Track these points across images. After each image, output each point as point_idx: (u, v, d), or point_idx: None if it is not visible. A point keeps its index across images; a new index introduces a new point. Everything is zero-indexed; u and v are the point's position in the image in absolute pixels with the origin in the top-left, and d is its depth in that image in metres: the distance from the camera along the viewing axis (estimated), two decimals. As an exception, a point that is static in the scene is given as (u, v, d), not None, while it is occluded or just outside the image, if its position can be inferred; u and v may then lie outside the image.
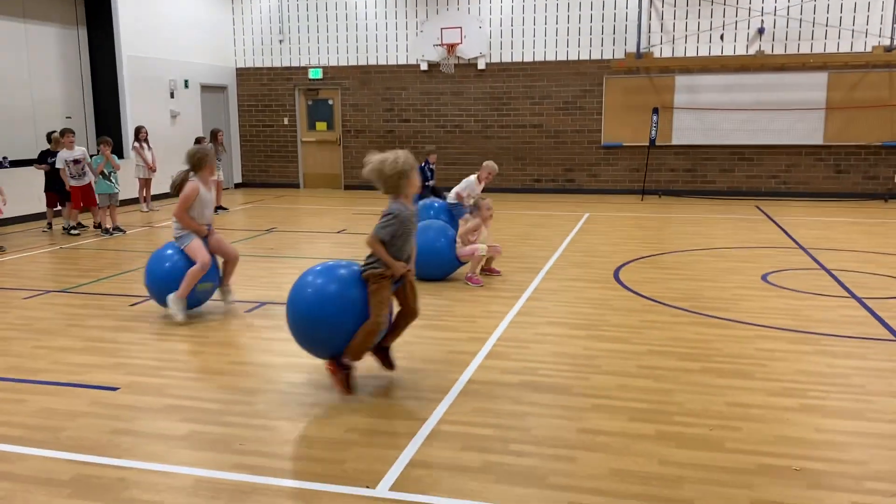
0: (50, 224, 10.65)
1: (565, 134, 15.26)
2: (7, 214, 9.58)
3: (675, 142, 14.70)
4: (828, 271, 7.52)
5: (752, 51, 14.09)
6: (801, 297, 6.48)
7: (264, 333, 5.57)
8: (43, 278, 7.67)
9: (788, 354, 4.94)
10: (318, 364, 4.44)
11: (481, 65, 15.36)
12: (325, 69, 16.30)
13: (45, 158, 10.43)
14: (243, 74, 16.82)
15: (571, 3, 14.81)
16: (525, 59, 15.21)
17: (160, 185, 13.61)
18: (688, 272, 7.58)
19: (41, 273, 7.99)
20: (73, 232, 10.20)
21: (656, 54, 14.47)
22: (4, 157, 11.31)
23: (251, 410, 4.06)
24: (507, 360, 4.84)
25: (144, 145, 12.62)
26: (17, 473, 3.35)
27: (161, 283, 5.80)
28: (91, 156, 10.56)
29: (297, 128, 16.83)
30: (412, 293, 4.38)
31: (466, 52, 15.27)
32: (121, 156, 12.81)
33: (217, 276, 6.02)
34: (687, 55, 14.40)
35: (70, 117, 12.99)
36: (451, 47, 15.23)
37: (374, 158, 4.20)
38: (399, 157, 4.16)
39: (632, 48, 14.49)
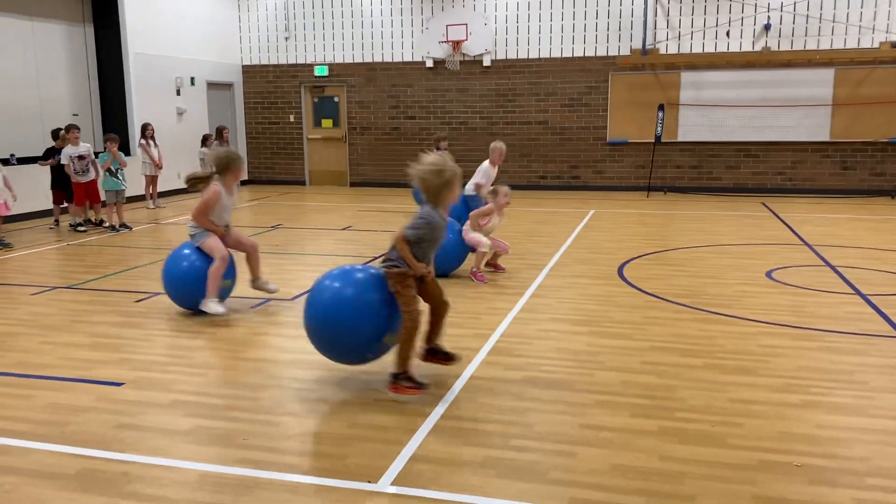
0: (57, 221, 10.72)
1: (571, 130, 15.25)
2: (14, 211, 9.64)
3: (680, 138, 14.68)
4: (833, 268, 7.50)
5: (758, 47, 14.04)
6: (805, 294, 6.47)
7: (269, 329, 5.59)
8: (50, 274, 7.71)
9: (791, 351, 4.94)
10: (322, 360, 4.45)
11: (487, 61, 15.35)
12: (331, 66, 16.32)
13: (50, 156, 10.49)
14: (249, 72, 16.85)
15: (577, -1, 14.80)
16: (530, 56, 15.20)
17: (167, 181, 13.71)
18: (692, 269, 7.58)
19: (48, 269, 8.03)
20: (79, 229, 10.26)
21: (662, 51, 14.44)
22: (12, 155, 11.38)
23: (255, 406, 4.09)
24: (510, 356, 4.85)
25: (151, 142, 12.68)
26: (22, 467, 3.38)
27: (179, 283, 5.80)
28: (97, 153, 10.61)
29: (302, 125, 16.86)
30: (436, 288, 4.35)
31: (472, 48, 15.27)
32: (127, 153, 12.86)
33: (234, 273, 6.01)
34: (693, 51, 14.36)
35: (77, 115, 13.05)
36: (456, 44, 15.23)
37: (423, 161, 4.13)
38: (446, 166, 4.11)
39: (637, 44, 14.45)
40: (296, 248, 9.02)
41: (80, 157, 10.12)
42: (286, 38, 16.49)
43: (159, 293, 6.50)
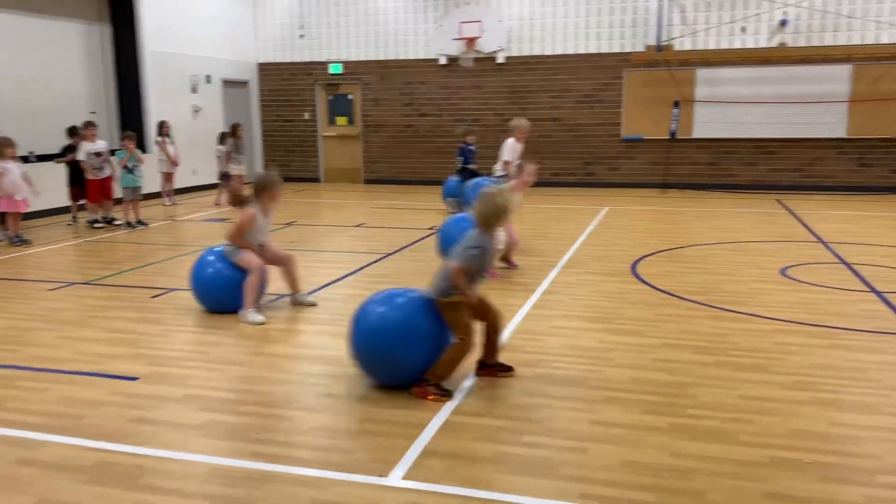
0: (74, 217, 10.82)
1: (585, 127, 15.20)
2: (33, 208, 9.76)
3: (696, 135, 14.58)
4: (847, 265, 7.45)
5: (774, 43, 13.92)
6: (819, 291, 6.43)
7: (282, 325, 5.63)
8: (67, 270, 7.80)
9: (804, 348, 4.91)
10: (334, 356, 4.49)
11: (500, 59, 15.32)
12: (346, 64, 16.36)
13: (68, 153, 10.59)
14: (265, 70, 16.92)
15: (591, -5, 14.74)
16: (545, 53, 15.16)
17: (182, 179, 13.81)
18: (706, 266, 7.54)
19: (65, 265, 8.12)
20: (96, 226, 10.36)
21: (677, 47, 14.35)
22: (31, 152, 11.50)
23: (267, 400, 4.13)
24: (522, 352, 4.85)
25: (167, 140, 12.77)
26: (39, 460, 3.44)
27: (205, 287, 5.85)
28: (114, 151, 10.71)
29: (317, 122, 16.91)
30: (485, 304, 4.36)
31: (485, 46, 15.25)
32: (144, 150, 12.96)
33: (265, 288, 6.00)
34: (708, 48, 14.27)
35: (94, 112, 13.15)
36: (470, 41, 15.22)
37: (486, 195, 4.20)
38: (503, 197, 4.19)
39: (652, 41, 14.37)
40: (310, 245, 9.06)
41: (97, 154, 10.23)
42: (301, 37, 16.53)
43: (175, 289, 6.56)
